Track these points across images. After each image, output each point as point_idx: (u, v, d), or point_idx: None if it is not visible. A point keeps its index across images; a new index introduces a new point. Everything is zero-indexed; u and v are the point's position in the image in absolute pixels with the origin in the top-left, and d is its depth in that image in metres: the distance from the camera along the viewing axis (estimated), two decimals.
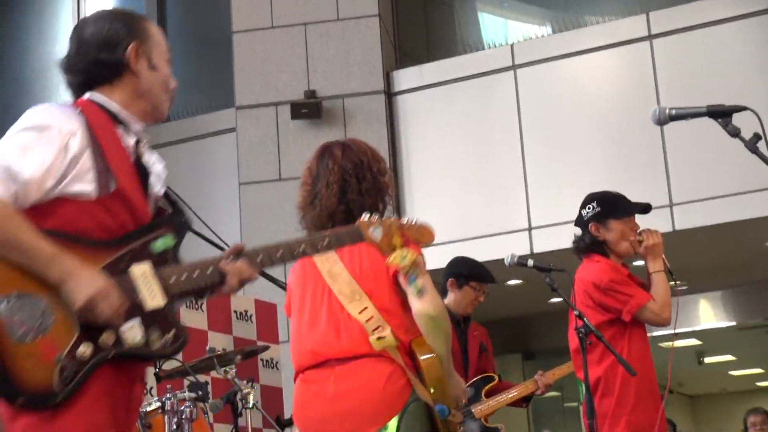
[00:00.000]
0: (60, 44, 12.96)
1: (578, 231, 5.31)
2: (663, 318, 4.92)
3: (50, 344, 2.60)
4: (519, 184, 9.76)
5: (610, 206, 5.15)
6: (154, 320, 2.75)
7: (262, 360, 7.92)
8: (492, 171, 9.94)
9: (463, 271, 6.21)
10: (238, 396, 5.70)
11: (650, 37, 9.61)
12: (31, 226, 2.63)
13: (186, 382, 5.46)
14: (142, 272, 2.75)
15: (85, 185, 2.75)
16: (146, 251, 2.80)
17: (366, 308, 3.75)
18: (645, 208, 5.23)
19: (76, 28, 3.12)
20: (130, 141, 2.96)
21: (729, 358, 16.62)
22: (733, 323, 13.11)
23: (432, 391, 3.80)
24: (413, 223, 3.34)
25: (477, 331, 6.35)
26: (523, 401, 6.20)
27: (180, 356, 5.84)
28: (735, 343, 15.37)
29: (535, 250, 9.02)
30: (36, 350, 2.59)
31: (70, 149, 2.74)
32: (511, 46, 10.29)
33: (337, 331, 3.79)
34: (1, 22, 13.47)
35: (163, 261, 2.82)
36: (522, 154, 9.85)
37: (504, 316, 11.60)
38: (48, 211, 2.73)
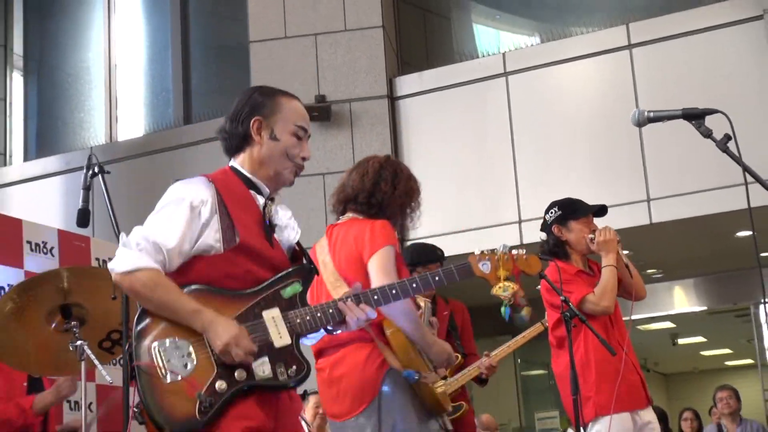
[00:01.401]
0: (92, 51, 12.98)
1: (543, 235, 5.33)
2: (602, 307, 4.90)
3: (193, 382, 2.88)
4: (510, 180, 9.76)
5: (569, 209, 5.19)
6: (281, 356, 2.97)
7: None
8: (485, 169, 9.94)
9: (418, 257, 5.97)
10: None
11: (630, 46, 9.60)
12: (176, 288, 2.96)
13: None
14: (272, 317, 3.00)
15: (214, 243, 3.03)
16: (277, 298, 3.04)
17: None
18: (601, 210, 5.23)
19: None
20: (261, 201, 3.18)
21: (700, 339, 16.64)
22: (705, 308, 13.13)
23: (401, 358, 3.89)
24: (522, 254, 3.42)
25: (446, 310, 6.02)
26: (478, 381, 6.06)
27: None
28: (706, 326, 15.39)
29: (525, 241, 8.99)
30: (182, 388, 2.87)
31: (202, 216, 3.02)
32: (503, 54, 10.28)
33: None
34: (40, 32, 13.50)
35: (292, 305, 3.05)
36: (513, 153, 9.85)
37: (496, 302, 11.58)
38: (186, 269, 3.03)
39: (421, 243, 6.16)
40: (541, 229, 5.30)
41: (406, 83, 10.47)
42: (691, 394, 16.25)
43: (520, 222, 9.48)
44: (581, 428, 4.52)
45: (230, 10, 11.96)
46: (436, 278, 3.28)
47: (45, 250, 6.58)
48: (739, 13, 9.26)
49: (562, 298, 4.63)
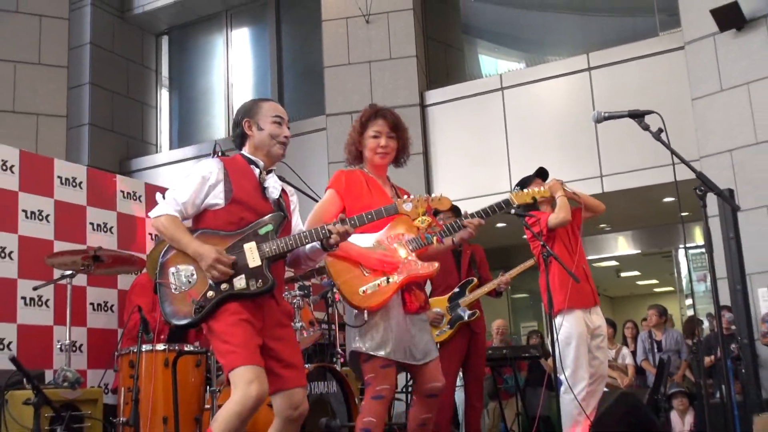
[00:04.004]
0: (215, 74, 13.05)
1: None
2: (560, 217, 4.93)
3: (192, 293, 3.00)
4: (504, 162, 9.73)
5: (522, 181, 5.28)
6: (253, 274, 3.02)
7: None
8: (488, 155, 9.92)
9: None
10: (329, 294, 5.73)
11: (589, 69, 9.52)
12: (183, 228, 3.08)
13: (296, 285, 5.50)
14: (249, 247, 3.05)
15: (218, 200, 3.10)
16: (255, 235, 3.08)
17: None
18: (541, 173, 5.22)
19: None
20: (257, 172, 3.21)
21: (636, 273, 16.53)
22: (640, 251, 13.05)
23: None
24: (437, 197, 3.37)
25: (469, 249, 6.00)
26: (495, 294, 6.05)
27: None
28: (640, 264, 15.29)
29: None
30: (184, 297, 3.01)
31: (209, 181, 3.11)
32: (500, 75, 10.22)
33: None
34: (180, 61, 13.57)
35: (265, 239, 3.09)
36: (507, 143, 9.81)
37: (495, 246, 11.60)
38: (199, 218, 3.15)
39: None
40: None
41: (433, 96, 10.43)
42: (630, 311, 16.12)
43: (511, 191, 9.45)
44: (553, 322, 4.53)
45: (310, 45, 11.96)
46: (369, 216, 3.23)
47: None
48: (667, 45, 9.18)
49: (541, 242, 4.62)
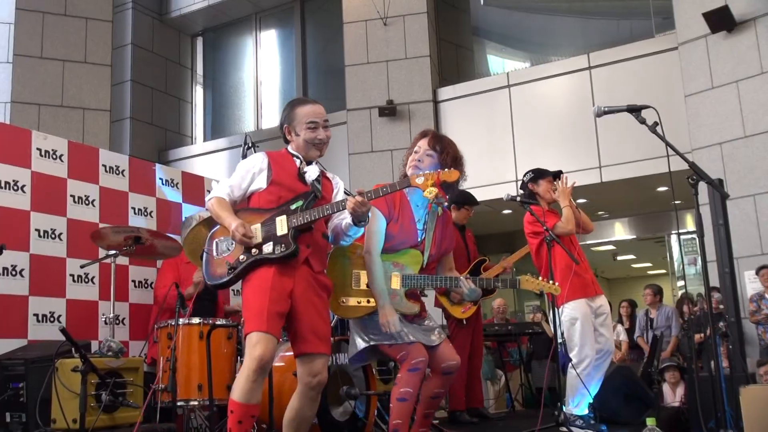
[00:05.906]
0: (245, 72, 13.05)
1: (515, 191, 5.24)
2: (567, 229, 4.79)
3: (229, 258, 3.17)
4: (510, 153, 9.71)
5: (538, 172, 5.09)
6: (280, 241, 3.11)
7: None
8: (495, 145, 9.88)
9: (460, 199, 5.97)
10: None
11: (590, 68, 9.46)
12: (227, 206, 3.21)
13: None
14: (280, 219, 3.16)
15: (261, 184, 3.24)
16: (286, 209, 3.18)
17: None
18: (557, 174, 5.11)
19: None
20: (298, 163, 3.30)
21: (632, 257, 16.45)
22: (635, 236, 12.98)
23: None
24: (446, 171, 3.26)
25: (470, 231, 6.07)
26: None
27: None
28: (635, 248, 15.21)
29: (520, 192, 8.98)
30: (222, 261, 3.18)
31: (254, 170, 3.26)
32: (507, 73, 10.18)
33: None
34: (213, 60, 13.59)
35: (295, 213, 3.16)
36: (513, 136, 9.78)
37: (500, 231, 11.59)
38: (247, 200, 3.28)
39: (463, 190, 5.99)
40: (521, 187, 5.23)
41: (444, 92, 10.40)
42: (626, 292, 16.04)
43: (516, 180, 9.43)
44: (557, 310, 4.51)
45: (332, 46, 11.94)
46: (385, 189, 3.16)
47: None
48: (662, 46, 9.10)
49: (545, 227, 4.59)
